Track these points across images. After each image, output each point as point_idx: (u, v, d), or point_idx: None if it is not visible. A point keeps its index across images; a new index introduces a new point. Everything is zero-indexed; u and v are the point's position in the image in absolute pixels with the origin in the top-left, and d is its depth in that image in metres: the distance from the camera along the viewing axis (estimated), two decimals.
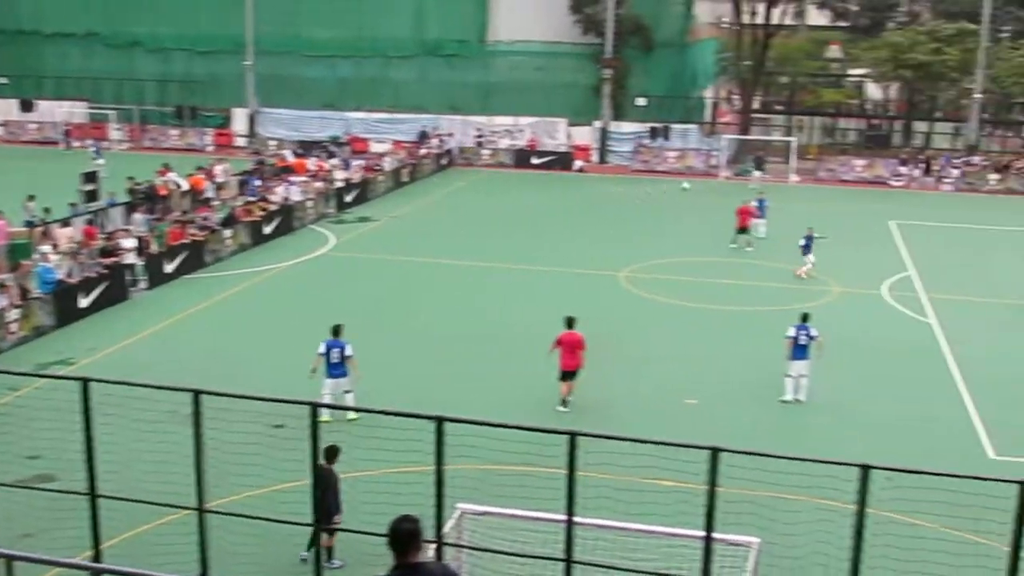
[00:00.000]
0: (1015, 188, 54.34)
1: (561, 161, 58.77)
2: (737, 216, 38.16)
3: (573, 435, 10.66)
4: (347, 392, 19.83)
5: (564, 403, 21.07)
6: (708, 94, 68.51)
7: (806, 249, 33.58)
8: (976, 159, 57.50)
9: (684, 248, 37.45)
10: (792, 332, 22.07)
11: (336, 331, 20.23)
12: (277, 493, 15.21)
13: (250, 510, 13.35)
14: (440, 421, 10.81)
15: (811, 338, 21.97)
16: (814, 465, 10.43)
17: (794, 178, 55.39)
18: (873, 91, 77.38)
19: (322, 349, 19.97)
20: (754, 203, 40.23)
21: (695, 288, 31.67)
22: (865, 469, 9.91)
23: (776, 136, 64.25)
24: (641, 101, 59.87)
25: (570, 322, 21.43)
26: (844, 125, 70.47)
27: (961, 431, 20.61)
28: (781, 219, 41.90)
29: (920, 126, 68.71)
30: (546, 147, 60.47)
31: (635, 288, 31.35)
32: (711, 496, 10.39)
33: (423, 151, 56.22)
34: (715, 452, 10.26)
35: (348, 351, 19.90)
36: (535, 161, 58.84)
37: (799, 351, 21.98)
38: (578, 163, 58.49)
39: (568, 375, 21.20)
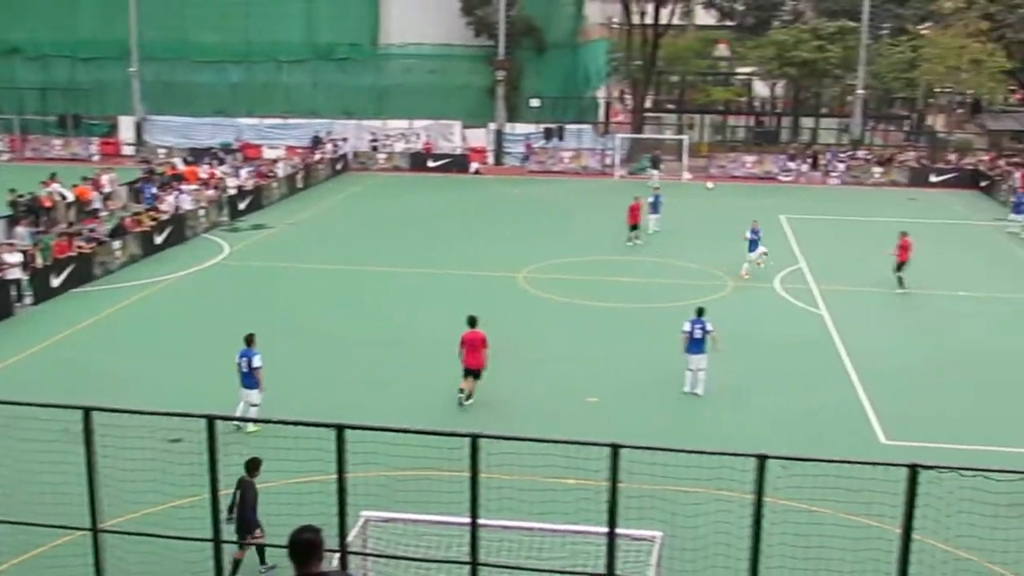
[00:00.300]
0: (898, 180, 56.01)
1: (457, 163, 58.77)
2: (629, 213, 38.77)
3: (475, 437, 10.65)
4: (253, 405, 19.56)
5: (462, 391, 21.28)
6: (601, 94, 69.22)
7: (753, 245, 33.73)
8: (861, 153, 59.18)
9: (581, 248, 37.76)
10: (687, 327, 22.46)
11: (247, 340, 19.95)
12: (175, 509, 14.90)
13: (148, 528, 13.06)
14: (340, 429, 10.71)
15: (706, 332, 22.34)
16: (713, 457, 10.60)
17: (687, 175, 56.26)
18: (761, 89, 79.01)
19: (237, 358, 19.74)
20: (650, 199, 41.06)
21: (592, 287, 31.94)
22: (761, 459, 10.09)
23: (668, 135, 65.20)
24: (535, 102, 60.23)
25: (472, 321, 21.63)
26: (734, 123, 71.96)
27: (853, 418, 21.16)
28: (676, 216, 42.52)
29: (807, 122, 70.38)
30: (442, 150, 60.38)
31: (533, 288, 31.49)
32: (613, 492, 10.47)
33: (317, 156, 55.67)
34: (615, 449, 10.35)
35: (256, 362, 19.62)
36: (431, 164, 58.70)
37: (695, 345, 22.34)
38: (474, 165, 58.55)
39: (471, 373, 21.37)
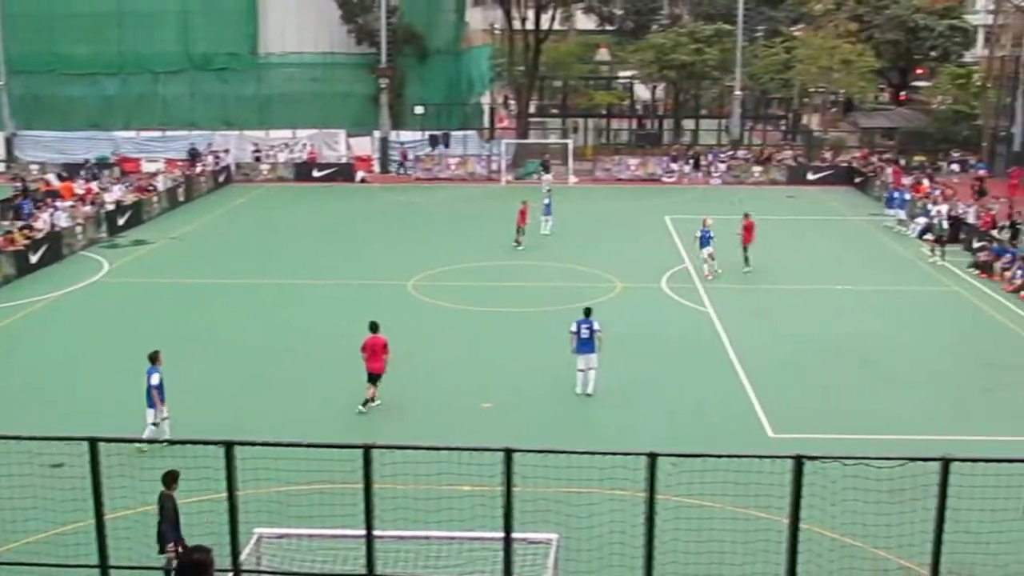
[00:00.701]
0: (777, 179, 57.38)
1: (342, 172, 58.27)
2: (519, 216, 39.24)
3: (367, 448, 10.58)
4: (152, 424, 19.18)
5: (364, 404, 21.39)
6: (485, 100, 69.47)
7: (704, 242, 34.32)
8: (740, 153, 60.51)
9: (470, 253, 37.83)
10: (573, 327, 22.72)
11: (151, 358, 19.63)
12: (59, 536, 14.45)
13: (31, 557, 12.65)
14: (228, 445, 10.53)
15: (593, 331, 22.62)
16: (605, 457, 10.71)
17: (573, 179, 56.77)
18: (642, 92, 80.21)
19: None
20: (544, 201, 41.88)
21: (483, 292, 32.01)
22: (652, 457, 10.24)
23: (553, 139, 65.71)
24: (419, 109, 60.12)
25: (374, 327, 21.82)
26: (617, 126, 72.87)
27: (742, 414, 21.60)
28: (563, 219, 42.89)
29: (688, 123, 71.70)
30: (327, 159, 59.86)
31: (424, 296, 31.44)
32: (507, 497, 10.51)
33: (199, 168, 54.65)
34: (508, 453, 10.39)
35: (151, 380, 19.30)
36: (316, 174, 58.11)
37: (583, 345, 22.61)
38: (360, 174, 58.13)
39: (372, 377, 21.56)
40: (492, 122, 68.29)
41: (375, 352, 21.58)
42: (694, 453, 10.69)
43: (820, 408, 21.90)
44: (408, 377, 23.34)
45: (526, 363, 24.91)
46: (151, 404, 19.25)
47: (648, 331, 27.67)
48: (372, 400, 21.54)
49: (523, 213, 39.16)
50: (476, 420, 21.12)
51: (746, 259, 34.81)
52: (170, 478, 14.06)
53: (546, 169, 54.82)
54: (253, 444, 10.64)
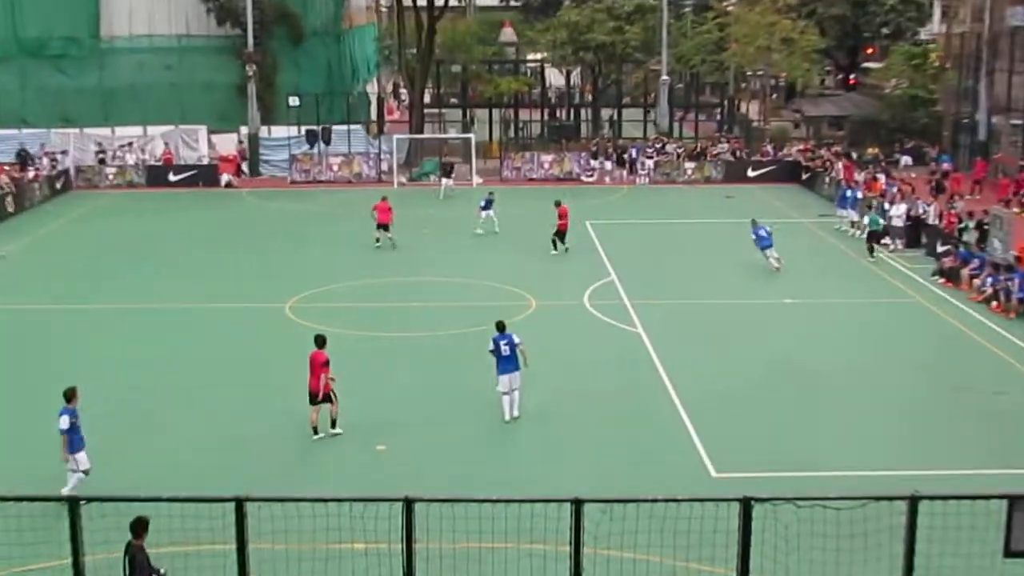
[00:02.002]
0: (713, 176, 58.28)
1: (204, 176, 57.64)
2: (376, 213, 40.66)
3: (240, 501, 10.42)
4: (75, 471, 19.13)
5: (315, 431, 22.19)
6: (372, 89, 69.37)
7: (763, 241, 37.21)
8: (670, 147, 61.27)
9: (358, 270, 37.66)
10: (491, 346, 22.88)
11: (65, 396, 19.41)
12: None
13: None
14: (73, 503, 10.29)
15: (514, 346, 22.75)
16: (523, 505, 10.69)
17: (477, 180, 56.87)
18: (555, 77, 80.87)
19: None
20: (484, 200, 43.81)
21: (375, 314, 31.87)
22: (577, 504, 10.25)
23: (453, 133, 65.81)
24: (294, 100, 59.66)
25: (317, 340, 22.62)
26: (527, 117, 73.15)
27: (680, 449, 21.75)
28: (468, 228, 42.96)
29: (609, 114, 72.37)
30: (185, 160, 59.22)
31: (304, 319, 31.15)
32: (408, 555, 10.43)
33: (31, 173, 53.52)
34: (408, 503, 10.32)
35: (60, 423, 19.15)
36: (173, 178, 57.40)
37: (506, 363, 22.76)
38: (225, 177, 57.54)
39: (312, 398, 22.22)
40: (381, 115, 68.20)
41: (311, 369, 22.27)
42: (625, 498, 10.73)
43: (768, 442, 22.14)
44: (287, 416, 23.12)
45: (429, 394, 24.81)
46: (74, 449, 19.10)
47: (569, 355, 27.78)
48: (332, 426, 22.28)
49: (382, 210, 40.69)
50: (370, 464, 20.96)
51: (554, 243, 39.71)
52: (138, 527, 13.60)
53: (447, 172, 54.50)
54: (104, 500, 10.40)
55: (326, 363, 22.28)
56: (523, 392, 23.22)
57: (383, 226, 40.81)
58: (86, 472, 19.08)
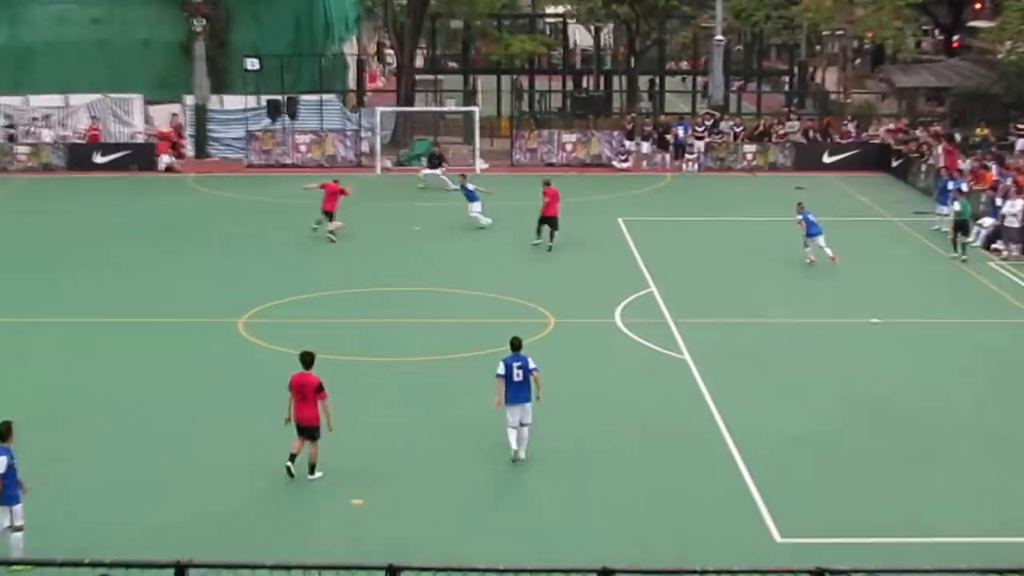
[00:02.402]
0: (779, 162, 58.29)
1: (139, 157, 57.73)
2: (325, 196, 41.82)
3: (181, 567, 10.41)
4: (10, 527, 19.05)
5: (292, 459, 22.22)
6: (350, 50, 69.42)
7: (813, 227, 38.87)
8: (725, 125, 61.12)
9: (331, 277, 37.70)
10: (501, 369, 22.82)
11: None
12: None
13: None
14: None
15: (528, 372, 22.76)
16: (539, 575, 10.66)
17: (481, 165, 56.85)
18: (581, 36, 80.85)
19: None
20: (467, 187, 44.35)
21: (352, 334, 31.80)
22: (607, 575, 10.21)
23: (451, 106, 65.82)
24: (252, 63, 59.69)
25: (305, 359, 22.60)
26: (545, 86, 73.13)
27: (736, 507, 21.63)
28: (466, 226, 42.95)
29: (648, 83, 72.28)
30: (116, 138, 59.48)
31: (262, 339, 31.18)
32: None
33: None
34: (392, 572, 10.31)
35: None
36: (100, 160, 57.58)
37: (517, 392, 22.76)
38: (164, 159, 57.57)
39: (303, 431, 22.23)
40: (361, 82, 68.28)
41: (303, 394, 22.20)
42: (667, 568, 10.71)
43: (847, 499, 22.04)
44: (241, 462, 23.16)
45: (418, 434, 24.71)
46: (3, 500, 19.01)
47: (596, 387, 27.71)
48: (311, 469, 22.27)
49: (331, 193, 41.76)
50: (346, 522, 20.98)
51: (537, 231, 41.00)
52: None
53: (434, 162, 53.58)
54: (13, 564, 10.41)
55: (321, 387, 22.27)
56: (537, 431, 23.18)
57: (328, 214, 41.87)
58: (19, 529, 18.95)
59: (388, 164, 57.54)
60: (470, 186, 44.20)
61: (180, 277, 38.14)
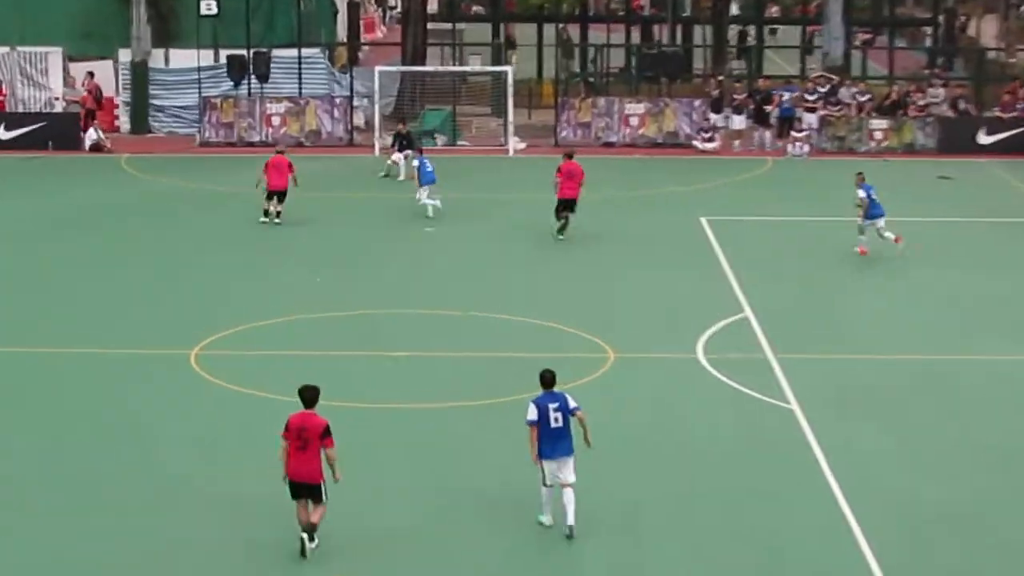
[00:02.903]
0: (918, 143, 58.07)
1: (57, 131, 58.12)
2: (265, 170, 43.33)
3: None
4: None
5: (310, 536, 22.05)
6: None
7: (875, 208, 40.39)
8: (846, 93, 60.87)
9: (311, 295, 37.75)
10: (533, 413, 22.56)
11: None
12: None
13: None
14: None
15: (568, 414, 22.60)
16: None
17: (516, 144, 56.84)
18: None
19: None
20: (415, 163, 45.19)
21: (342, 371, 31.71)
22: None
23: (476, 65, 65.84)
24: (209, 7, 59.83)
25: (307, 396, 22.35)
26: (601, 39, 73.01)
27: None
28: (502, 226, 42.92)
29: (740, 35, 72.27)
30: (28, 105, 60.00)
31: (220, 377, 31.19)
32: None
33: None
34: None
35: None
36: (4, 135, 58.02)
37: (555, 441, 22.57)
38: (91, 135, 57.76)
39: (301, 490, 22.20)
40: (355, 33, 68.39)
41: (304, 442, 22.04)
42: None
43: None
44: (202, 527, 23.23)
45: (426, 500, 24.76)
46: None
47: (670, 442, 27.56)
48: (309, 537, 22.16)
49: (274, 167, 43.35)
50: None
51: (557, 226, 42.07)
52: None
53: (403, 144, 53.17)
54: None
55: (328, 432, 22.03)
56: (586, 492, 23.03)
57: (276, 194, 43.28)
58: None
59: (389, 142, 57.45)
60: (429, 165, 44.86)
61: (112, 294, 38.21)
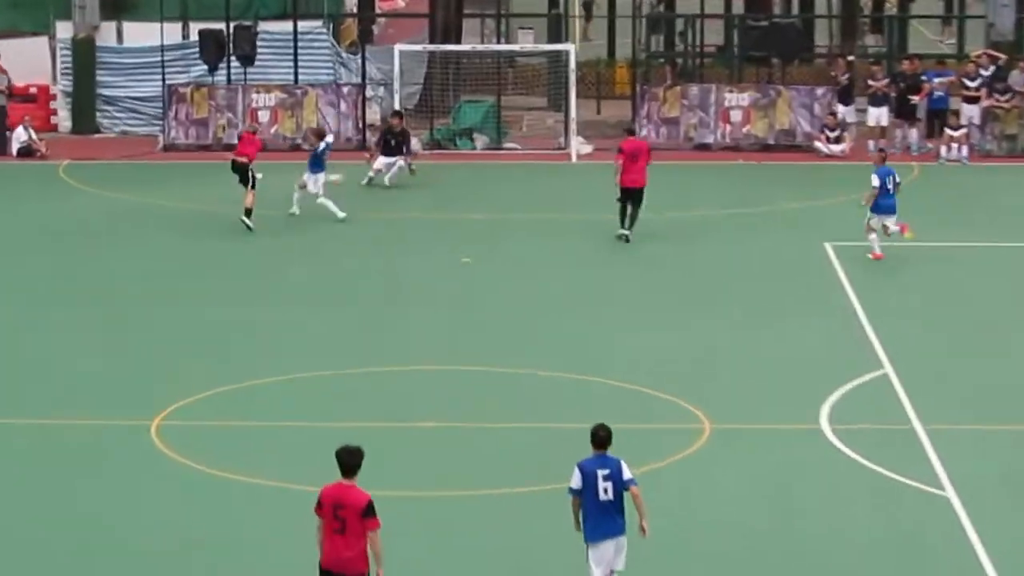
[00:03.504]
0: None
1: None
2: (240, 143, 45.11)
3: None
4: None
5: None
6: None
7: (887, 198, 41.14)
8: (1018, 78, 60.82)
9: (306, 347, 38.08)
10: (576, 481, 22.64)
11: None
12: None
13: None
14: None
15: (622, 486, 22.64)
16: None
17: (581, 147, 57.06)
18: None
19: None
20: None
21: (353, 441, 31.85)
22: None
23: (526, 44, 66.16)
24: None
25: (347, 462, 22.29)
26: (695, 9, 73.18)
27: None
28: (557, 256, 43.15)
29: (875, 4, 72.55)
30: None
31: (188, 456, 31.31)
32: None
33: None
34: None
35: None
36: None
37: (603, 517, 22.63)
38: (20, 135, 58.14)
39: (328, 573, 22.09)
40: (367, 3, 68.81)
41: (342, 523, 21.93)
42: None
43: None
44: None
45: None
46: None
47: (791, 536, 27.68)
48: None
49: (247, 141, 45.83)
50: None
51: (623, 216, 43.82)
52: None
53: (391, 146, 53.19)
54: None
55: (372, 509, 21.97)
56: (656, 554, 23.30)
57: (238, 169, 45.71)
58: None
59: (416, 145, 57.65)
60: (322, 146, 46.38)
61: (50, 347, 38.47)
